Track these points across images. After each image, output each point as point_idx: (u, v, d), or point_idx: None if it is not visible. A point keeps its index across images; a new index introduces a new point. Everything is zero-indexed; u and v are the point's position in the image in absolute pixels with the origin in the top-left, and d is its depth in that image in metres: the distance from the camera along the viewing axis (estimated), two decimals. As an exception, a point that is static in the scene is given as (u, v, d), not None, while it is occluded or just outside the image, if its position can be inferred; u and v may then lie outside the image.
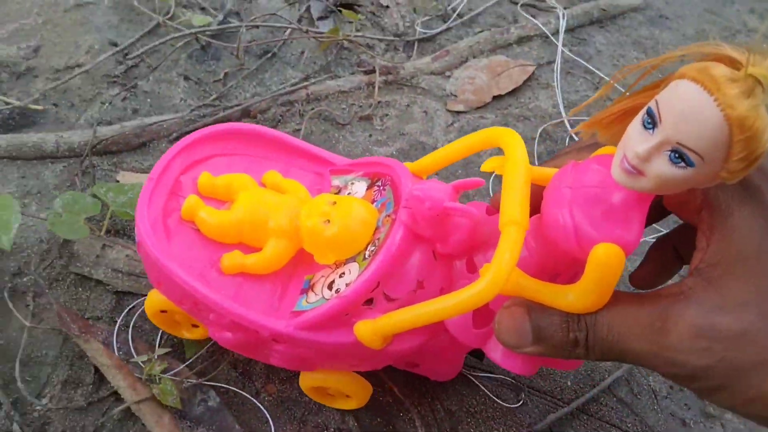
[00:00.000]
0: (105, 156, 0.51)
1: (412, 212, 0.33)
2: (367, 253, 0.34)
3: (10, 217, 0.41)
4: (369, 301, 0.33)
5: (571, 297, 0.28)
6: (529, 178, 0.29)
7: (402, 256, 0.33)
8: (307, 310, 0.34)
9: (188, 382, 0.41)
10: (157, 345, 0.43)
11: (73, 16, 0.61)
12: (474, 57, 0.65)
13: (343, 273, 0.35)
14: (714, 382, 0.26)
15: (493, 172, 0.35)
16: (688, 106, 0.22)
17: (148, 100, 0.56)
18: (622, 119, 0.27)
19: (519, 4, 0.72)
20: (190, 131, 0.53)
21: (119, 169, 0.51)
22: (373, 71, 0.60)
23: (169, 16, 0.61)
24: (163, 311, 0.40)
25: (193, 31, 0.59)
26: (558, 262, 0.31)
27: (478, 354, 0.42)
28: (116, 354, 0.41)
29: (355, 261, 0.35)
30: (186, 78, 0.59)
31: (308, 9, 0.66)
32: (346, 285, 0.34)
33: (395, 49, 0.65)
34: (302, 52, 0.63)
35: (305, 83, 0.58)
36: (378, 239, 0.34)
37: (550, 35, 0.69)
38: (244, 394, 0.42)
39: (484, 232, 0.34)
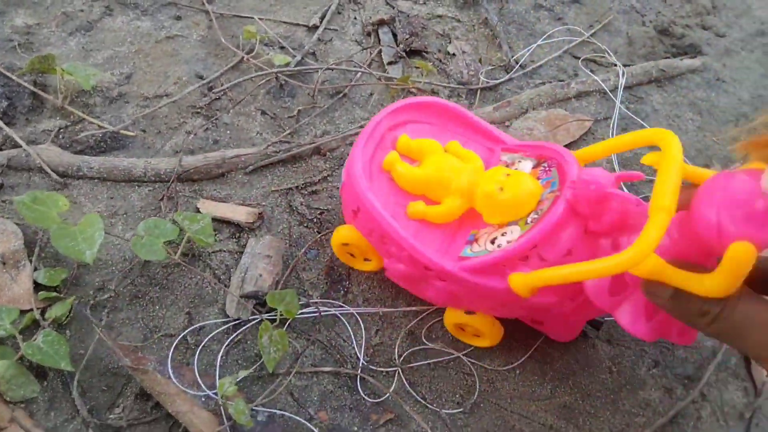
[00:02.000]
0: (187, 183, 0.55)
1: (576, 191, 0.39)
2: (530, 219, 0.41)
3: (94, 234, 0.45)
4: (524, 258, 0.40)
5: (707, 283, 0.31)
6: (682, 173, 0.33)
7: (560, 226, 0.39)
8: (471, 257, 0.42)
9: (252, 408, 0.44)
10: (217, 365, 0.46)
11: (164, 48, 0.66)
12: (534, 108, 0.68)
13: (505, 233, 0.42)
14: None
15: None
16: None
17: (228, 132, 0.60)
18: None
19: (580, 59, 0.74)
20: (266, 165, 0.57)
21: (199, 197, 0.54)
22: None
23: (252, 53, 0.66)
24: (345, 244, 0.49)
25: (274, 71, 0.63)
26: (695, 254, 0.34)
27: (595, 324, 0.51)
28: (172, 380, 0.44)
29: (516, 224, 0.42)
30: (263, 113, 0.63)
31: (380, 53, 0.70)
32: (508, 242, 0.41)
33: (459, 95, 0.68)
34: (371, 94, 0.66)
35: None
36: (541, 209, 0.41)
37: (608, 92, 0.71)
38: (297, 418, 0.44)
39: (633, 219, 0.38)
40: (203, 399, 0.44)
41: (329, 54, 0.69)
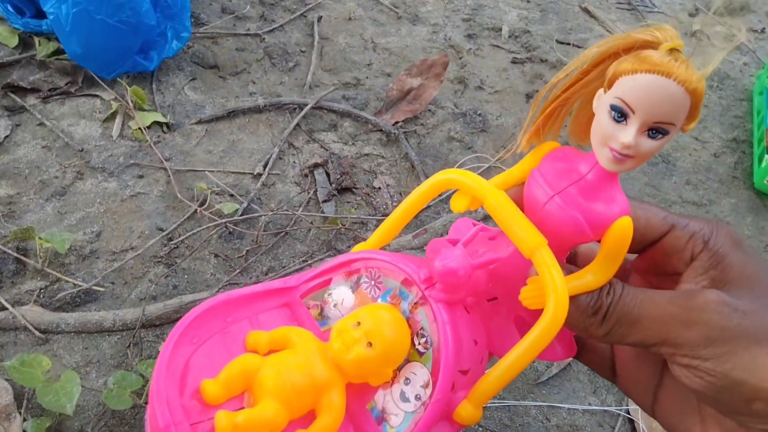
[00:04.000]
0: (150, 329, 0.65)
1: (446, 287, 0.33)
2: (420, 347, 0.34)
3: (73, 389, 0.55)
4: (452, 388, 0.34)
5: (590, 276, 0.31)
6: (509, 199, 0.32)
7: (458, 332, 0.34)
8: None
9: None
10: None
11: (129, 205, 0.77)
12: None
13: (407, 378, 0.34)
14: (724, 349, 0.28)
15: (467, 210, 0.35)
16: (656, 92, 0.26)
17: (185, 276, 0.71)
18: (552, 119, 0.32)
19: (489, 183, 0.87)
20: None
21: (161, 341, 0.64)
22: (365, 249, 0.74)
23: (205, 205, 0.77)
24: None
25: (224, 221, 0.74)
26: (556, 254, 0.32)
27: None
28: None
29: (410, 361, 0.35)
30: (216, 255, 0.73)
31: (315, 192, 0.82)
32: (423, 387, 0.34)
33: (386, 224, 0.80)
34: (309, 230, 0.78)
35: (310, 261, 0.73)
36: (422, 329, 0.34)
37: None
38: None
39: (498, 266, 0.35)
40: None
41: (273, 196, 0.81)
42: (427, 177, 0.86)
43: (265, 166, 0.83)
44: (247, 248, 0.74)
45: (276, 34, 1.02)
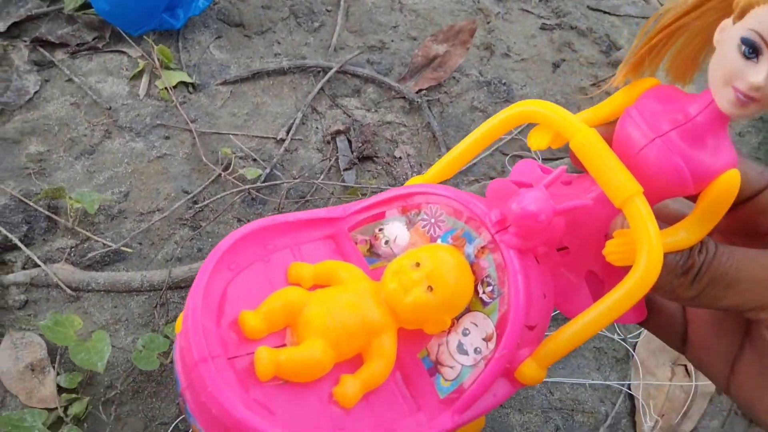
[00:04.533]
0: (176, 290, 0.68)
1: (521, 232, 0.30)
2: (484, 296, 0.32)
3: (103, 348, 0.58)
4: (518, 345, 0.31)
5: (683, 233, 0.28)
6: (602, 139, 0.29)
7: (530, 283, 0.31)
8: (457, 388, 0.31)
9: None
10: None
11: (155, 166, 0.79)
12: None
13: (467, 329, 0.32)
14: None
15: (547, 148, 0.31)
16: None
17: (210, 239, 0.73)
18: (654, 52, 0.29)
19: (507, 156, 0.87)
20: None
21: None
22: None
23: (229, 170, 0.79)
24: None
25: (247, 187, 0.76)
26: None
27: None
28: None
29: (471, 311, 0.32)
30: (239, 220, 0.75)
31: (337, 160, 0.83)
32: (485, 339, 0.31)
33: (405, 194, 0.81)
34: (329, 198, 0.79)
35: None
36: (488, 277, 0.32)
37: (534, 183, 0.84)
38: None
39: (577, 214, 0.32)
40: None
41: (295, 162, 0.82)
42: (448, 148, 0.87)
43: (288, 131, 0.84)
44: (269, 214, 0.76)
45: (302, -9, 1.01)
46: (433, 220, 0.34)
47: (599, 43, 1.02)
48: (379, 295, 0.32)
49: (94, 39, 0.89)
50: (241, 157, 0.81)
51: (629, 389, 0.68)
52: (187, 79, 0.86)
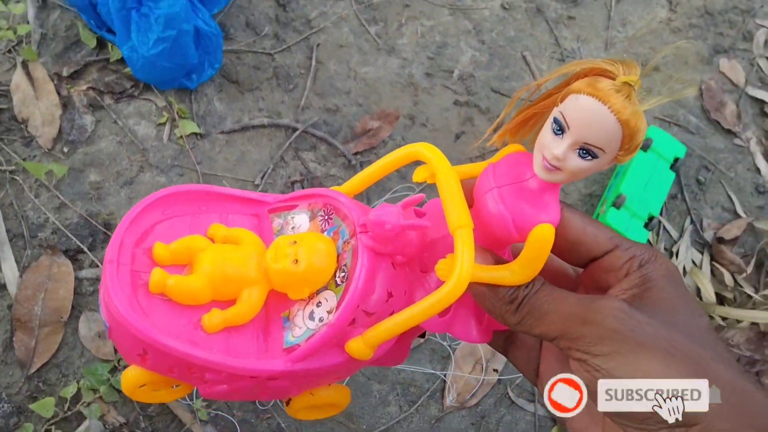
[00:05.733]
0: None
1: (373, 235, 0.38)
2: (338, 279, 0.39)
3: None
4: (352, 322, 0.38)
5: (507, 272, 0.34)
6: (458, 181, 0.35)
7: (372, 276, 0.38)
8: (298, 344, 0.39)
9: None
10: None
11: (172, 197, 1.20)
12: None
13: (320, 302, 0.40)
14: (612, 348, 0.30)
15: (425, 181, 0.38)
16: (590, 115, 0.29)
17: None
18: (526, 124, 0.35)
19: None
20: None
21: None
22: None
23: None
24: (142, 386, 0.40)
25: (231, 223, 1.18)
26: (492, 246, 0.37)
27: (422, 335, 0.47)
28: None
29: (327, 289, 0.40)
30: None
31: (293, 202, 1.25)
32: (328, 312, 0.38)
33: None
34: (285, 230, 1.22)
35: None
36: (345, 265, 0.39)
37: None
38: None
39: (430, 235, 0.40)
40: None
41: (265, 200, 1.24)
42: (368, 201, 1.28)
43: (262, 177, 1.25)
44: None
45: (285, 54, 1.36)
46: (326, 217, 0.42)
47: (491, 121, 1.41)
48: (261, 258, 0.41)
49: (131, 87, 1.25)
50: (229, 195, 1.22)
51: (445, 377, 1.17)
52: (197, 130, 1.25)
